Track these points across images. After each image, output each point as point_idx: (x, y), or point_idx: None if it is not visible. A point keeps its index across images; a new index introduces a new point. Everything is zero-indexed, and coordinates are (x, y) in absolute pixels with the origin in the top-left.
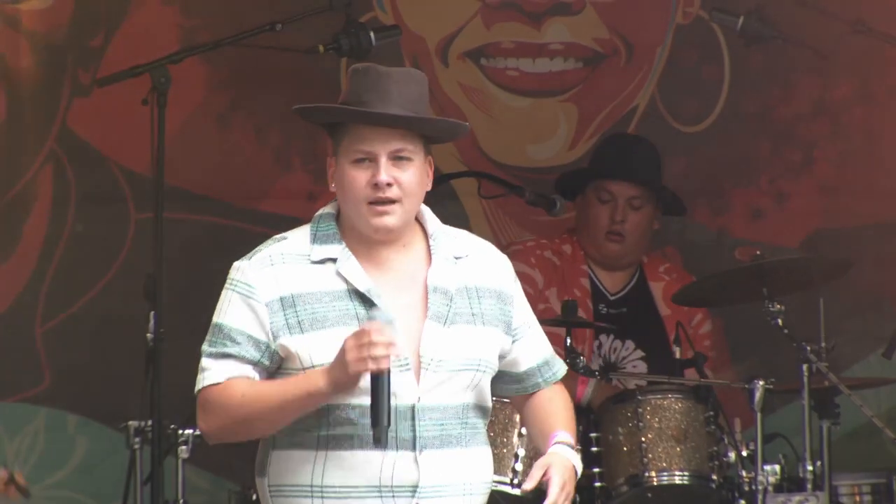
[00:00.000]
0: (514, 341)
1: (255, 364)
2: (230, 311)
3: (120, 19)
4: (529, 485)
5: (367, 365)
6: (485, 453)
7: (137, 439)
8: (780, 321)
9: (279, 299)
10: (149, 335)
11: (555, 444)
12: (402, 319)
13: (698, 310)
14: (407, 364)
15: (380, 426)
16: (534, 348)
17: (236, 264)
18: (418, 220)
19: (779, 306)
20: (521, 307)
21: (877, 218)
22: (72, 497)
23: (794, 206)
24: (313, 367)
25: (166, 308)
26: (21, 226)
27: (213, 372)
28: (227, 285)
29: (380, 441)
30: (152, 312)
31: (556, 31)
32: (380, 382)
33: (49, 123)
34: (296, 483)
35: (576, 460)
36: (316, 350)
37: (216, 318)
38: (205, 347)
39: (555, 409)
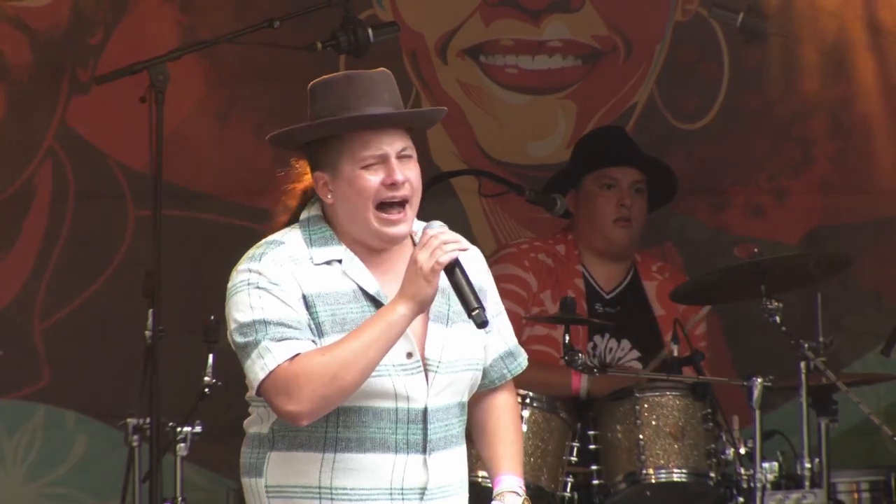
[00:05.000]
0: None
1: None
2: (264, 305)
3: (119, 17)
4: None
5: (441, 257)
6: (465, 450)
7: (136, 437)
8: (778, 318)
9: (302, 297)
10: (147, 332)
11: (496, 495)
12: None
13: (693, 311)
14: (418, 367)
15: (476, 310)
16: (499, 339)
17: (246, 266)
18: None
19: (777, 303)
20: (492, 300)
21: (876, 215)
22: (70, 494)
23: (793, 203)
24: None
25: (165, 305)
26: (20, 223)
27: (277, 353)
28: (244, 286)
29: (484, 323)
30: (151, 310)
31: (555, 28)
32: (456, 273)
33: (48, 120)
34: (301, 484)
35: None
36: None
37: (250, 317)
38: (252, 339)
39: (504, 432)
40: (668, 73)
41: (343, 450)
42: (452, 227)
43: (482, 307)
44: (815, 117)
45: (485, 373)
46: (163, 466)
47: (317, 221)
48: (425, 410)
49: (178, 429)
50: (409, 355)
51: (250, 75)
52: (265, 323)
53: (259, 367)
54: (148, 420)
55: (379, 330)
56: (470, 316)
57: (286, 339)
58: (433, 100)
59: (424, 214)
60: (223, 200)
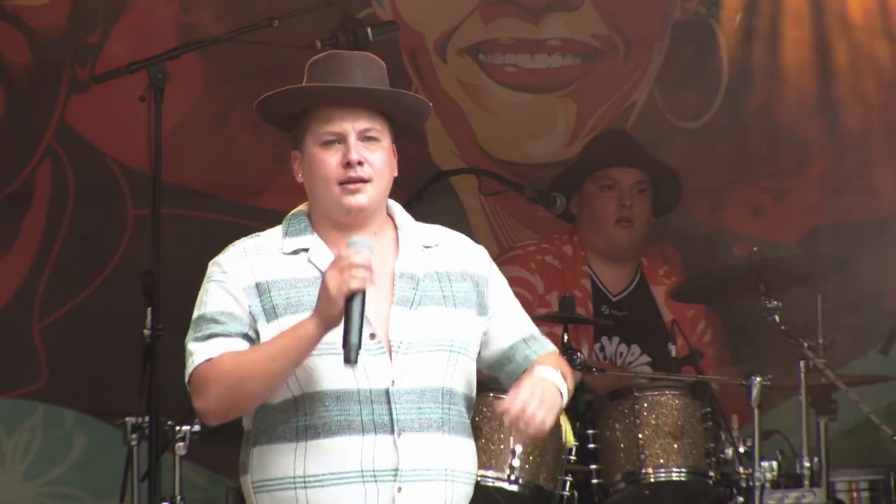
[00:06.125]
0: (490, 318)
1: (243, 336)
2: (209, 300)
3: (118, 15)
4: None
5: (348, 285)
6: (468, 445)
7: (135, 435)
8: (777, 318)
9: (255, 285)
10: (146, 331)
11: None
12: (372, 306)
13: (700, 318)
14: (381, 348)
15: (349, 345)
16: (515, 324)
17: (214, 259)
18: (389, 215)
19: (776, 303)
20: (497, 287)
21: (875, 214)
22: (69, 493)
23: (792, 202)
24: None
25: (164, 304)
26: (19, 222)
27: (199, 353)
28: (206, 280)
29: (349, 359)
30: (150, 309)
31: (554, 27)
32: (353, 303)
33: (47, 119)
34: (278, 476)
35: (558, 380)
36: None
37: (197, 312)
38: (189, 339)
39: (542, 360)
40: (667, 72)
41: (313, 437)
42: (452, 227)
43: (358, 345)
44: (814, 117)
45: (510, 358)
46: (161, 465)
47: (298, 216)
48: (388, 391)
49: (177, 428)
50: (373, 336)
51: (249, 74)
52: (203, 318)
53: (188, 367)
54: (147, 419)
55: (286, 343)
56: (342, 348)
57: (212, 336)
58: (432, 98)
59: (425, 214)
60: (222, 199)
